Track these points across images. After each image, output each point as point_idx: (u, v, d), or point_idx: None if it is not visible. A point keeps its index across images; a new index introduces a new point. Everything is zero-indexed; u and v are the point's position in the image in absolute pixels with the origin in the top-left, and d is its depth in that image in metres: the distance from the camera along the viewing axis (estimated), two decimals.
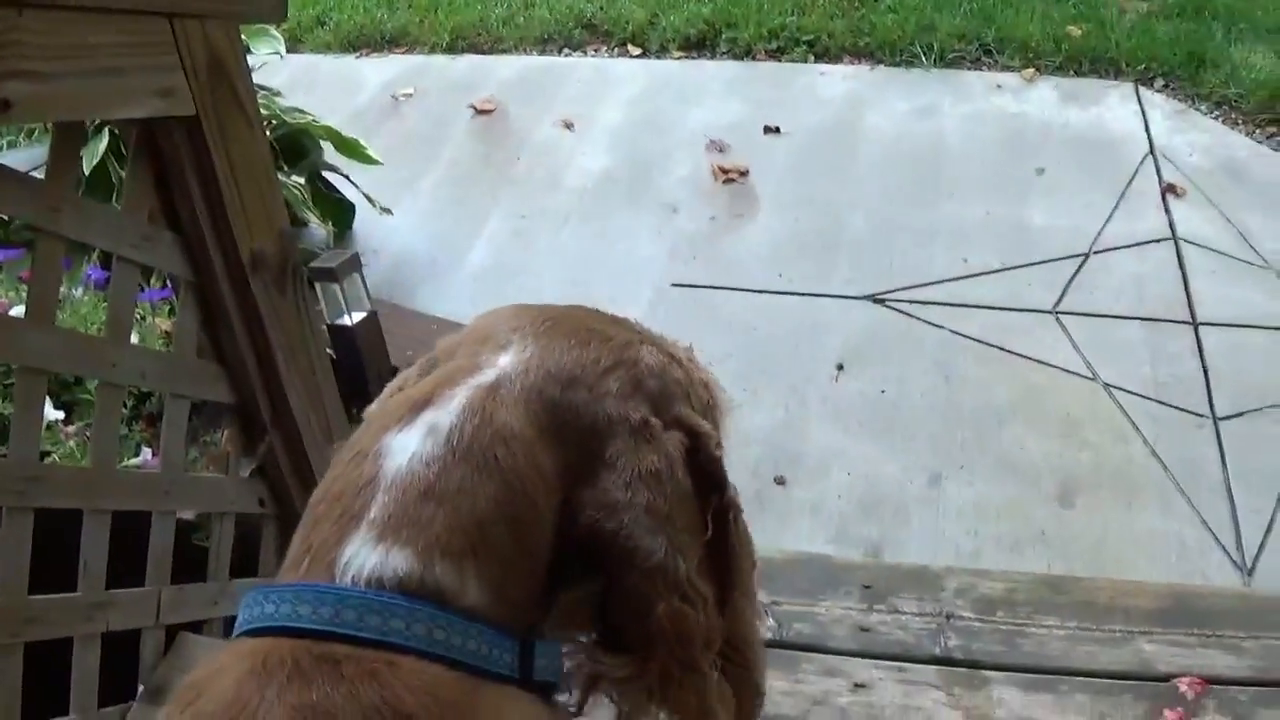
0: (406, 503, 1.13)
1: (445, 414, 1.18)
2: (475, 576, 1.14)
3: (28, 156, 3.74)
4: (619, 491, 1.21)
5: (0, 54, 1.79)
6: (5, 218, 3.75)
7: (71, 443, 2.98)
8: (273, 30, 4.84)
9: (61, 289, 3.29)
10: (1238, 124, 5.83)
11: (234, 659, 1.09)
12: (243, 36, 4.22)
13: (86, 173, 3.83)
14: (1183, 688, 2.72)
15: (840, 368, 4.45)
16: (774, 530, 3.78)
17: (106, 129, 3.88)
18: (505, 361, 1.25)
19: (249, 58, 4.41)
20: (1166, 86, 6.14)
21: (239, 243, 2.41)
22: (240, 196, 2.38)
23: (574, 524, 1.21)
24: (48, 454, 2.89)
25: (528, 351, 1.26)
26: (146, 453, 3.03)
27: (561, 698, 1.30)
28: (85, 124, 2.45)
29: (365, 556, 1.12)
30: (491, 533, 1.16)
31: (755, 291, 4.92)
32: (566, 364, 1.25)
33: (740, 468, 3.94)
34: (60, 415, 3.04)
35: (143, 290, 3.43)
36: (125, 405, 3.05)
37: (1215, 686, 2.76)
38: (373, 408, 1.33)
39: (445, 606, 1.12)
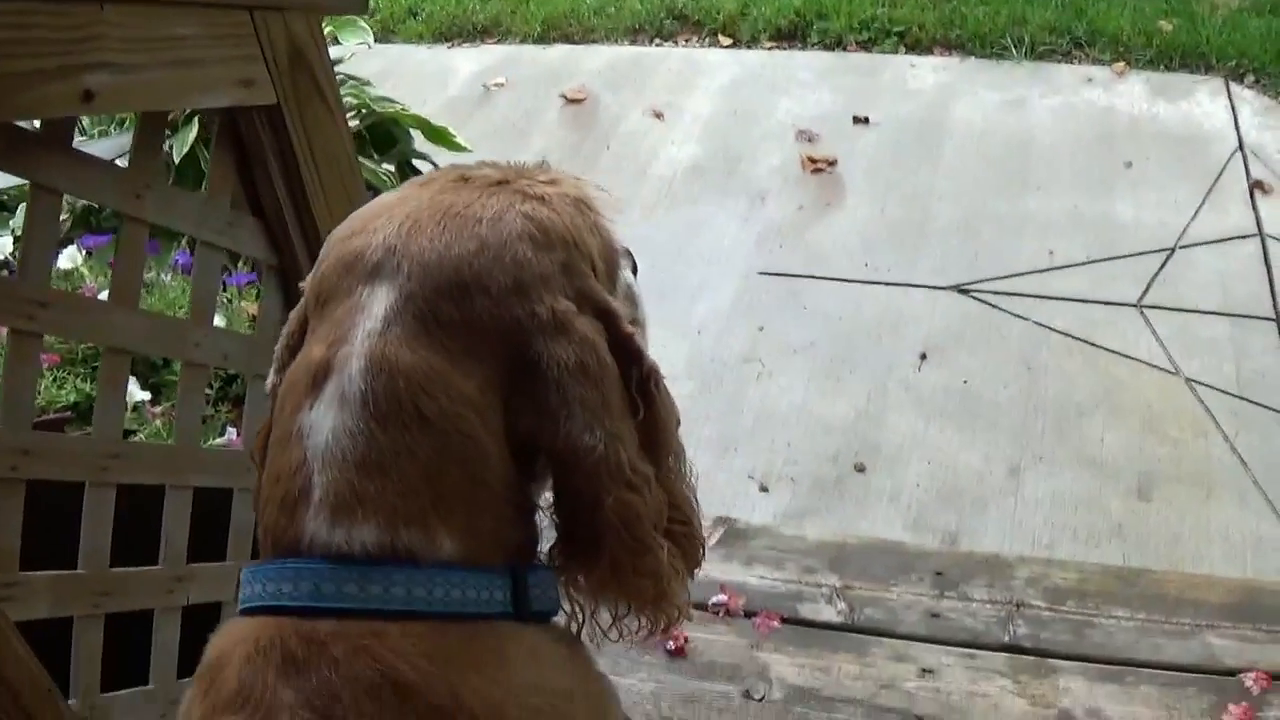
0: (348, 479, 1.13)
1: (350, 381, 1.15)
2: (443, 529, 1.15)
3: (115, 144, 3.81)
4: (549, 394, 1.17)
5: (83, 47, 1.83)
6: (95, 205, 3.83)
7: (158, 423, 3.05)
8: (361, 21, 4.90)
9: (150, 274, 3.37)
10: None
11: (232, 643, 1.13)
12: (330, 28, 4.27)
13: (176, 161, 3.91)
14: (1249, 682, 2.75)
15: (923, 357, 4.49)
16: (852, 516, 3.83)
17: (196, 118, 3.95)
18: (384, 292, 1.18)
19: (337, 48, 4.49)
20: (1257, 82, 6.09)
21: (320, 227, 2.43)
22: (321, 182, 2.41)
23: (516, 430, 1.19)
24: (134, 433, 2.95)
25: (403, 270, 1.18)
26: (232, 432, 3.10)
27: (560, 619, 1.32)
28: (168, 113, 2.49)
29: (327, 535, 1.13)
30: (444, 483, 1.15)
31: (841, 280, 4.95)
32: (449, 270, 1.18)
33: (821, 454, 4.03)
34: (147, 396, 3.10)
35: (230, 274, 3.51)
36: (211, 387, 3.12)
37: None
38: (271, 377, 1.32)
39: (420, 564, 1.13)
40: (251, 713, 1.07)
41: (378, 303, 1.18)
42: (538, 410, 1.18)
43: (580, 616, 1.35)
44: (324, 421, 1.15)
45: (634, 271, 1.48)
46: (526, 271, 1.20)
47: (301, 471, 1.15)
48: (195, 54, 2.12)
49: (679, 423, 1.33)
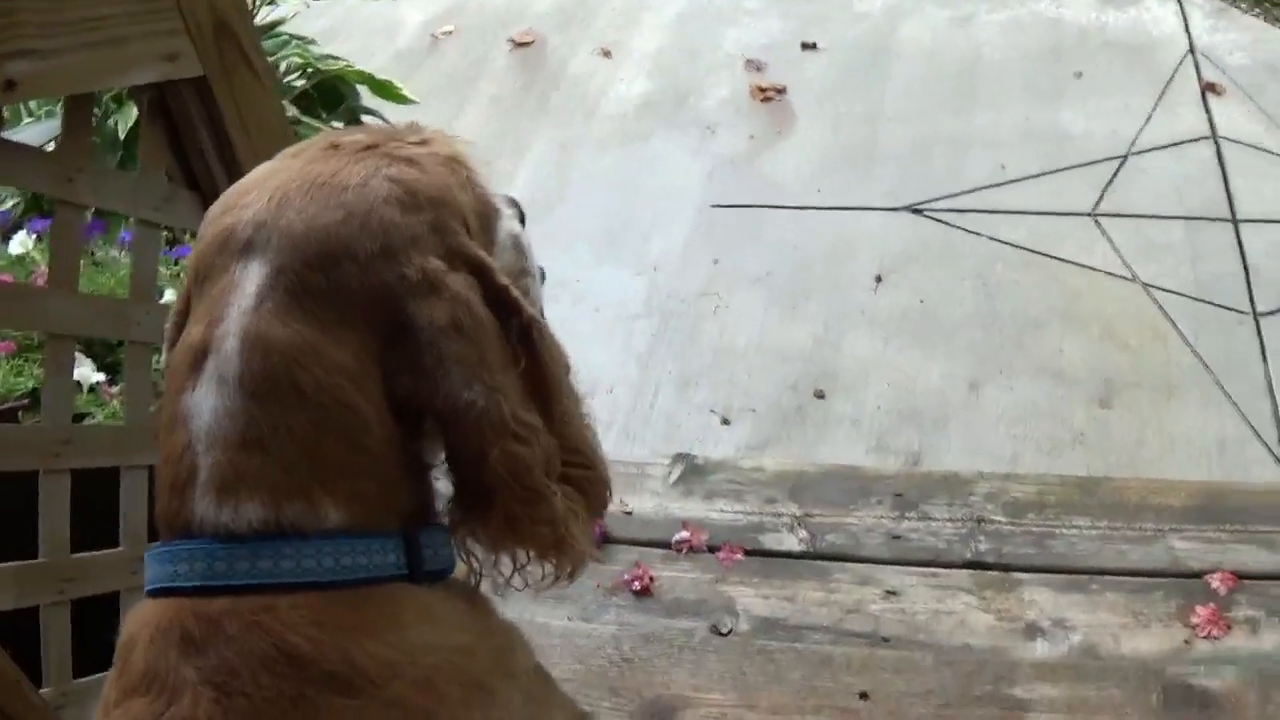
0: (231, 460, 1.15)
1: (226, 361, 1.16)
2: (328, 500, 1.17)
3: (52, 128, 3.79)
4: (424, 355, 1.19)
5: (1, 36, 1.83)
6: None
7: (115, 403, 3.04)
8: None
9: (100, 252, 3.35)
10: (1279, 21, 5.74)
11: (139, 625, 1.17)
12: None
13: (122, 137, 3.87)
14: (1214, 583, 2.77)
15: (879, 279, 4.48)
16: (813, 443, 3.83)
17: None
18: (255, 268, 1.19)
19: (278, 10, 4.44)
20: None
21: None
22: (255, 151, 2.39)
23: (396, 394, 1.21)
24: (87, 415, 2.94)
25: (272, 244, 1.19)
26: None
27: (459, 574, 1.34)
28: (94, 95, 2.48)
29: (215, 515, 1.15)
30: (324, 454, 1.17)
31: (795, 208, 4.93)
32: (317, 241, 1.19)
33: (781, 383, 4.02)
34: (103, 377, 3.09)
35: (180, 246, 3.49)
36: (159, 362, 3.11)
37: (1247, 581, 2.80)
38: (164, 355, 1.34)
39: (307, 536, 1.15)
40: (159, 693, 1.11)
41: (250, 279, 1.19)
42: (415, 371, 1.20)
43: (480, 570, 1.36)
44: (205, 402, 1.17)
45: (522, 221, 1.48)
46: (393, 235, 1.21)
47: (188, 454, 1.17)
48: (116, 32, 2.10)
49: (569, 369, 1.35)
